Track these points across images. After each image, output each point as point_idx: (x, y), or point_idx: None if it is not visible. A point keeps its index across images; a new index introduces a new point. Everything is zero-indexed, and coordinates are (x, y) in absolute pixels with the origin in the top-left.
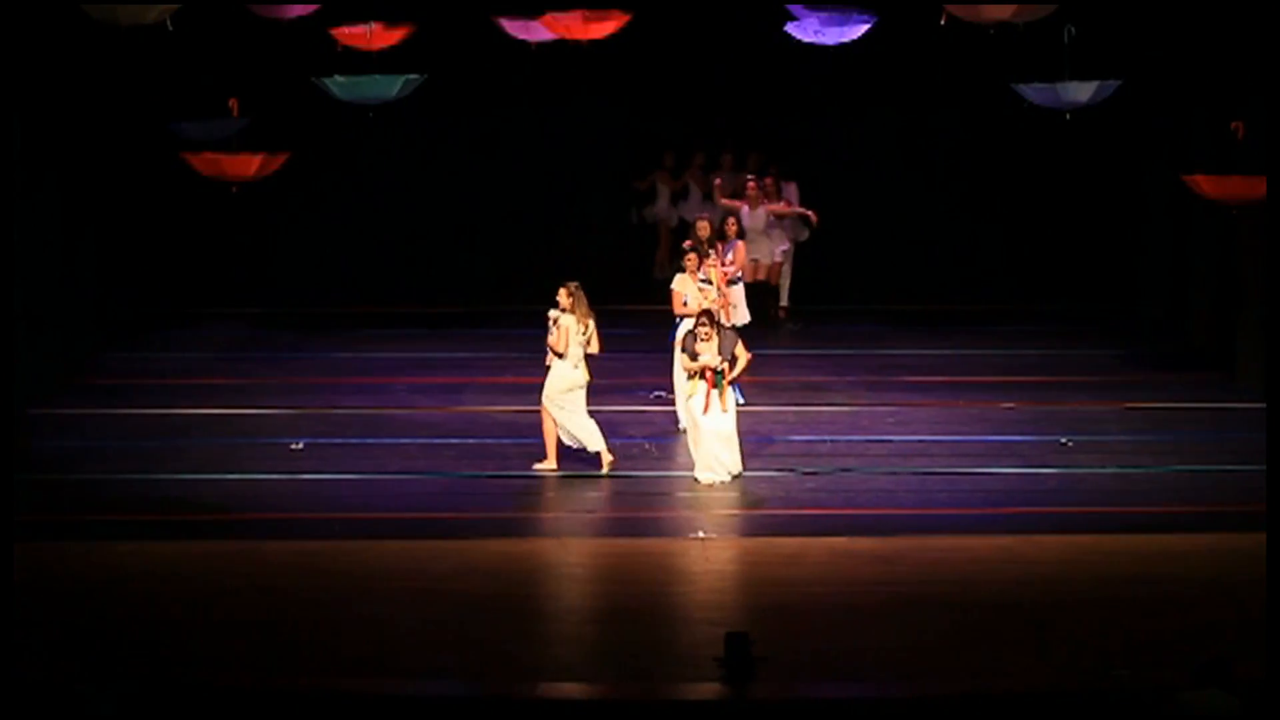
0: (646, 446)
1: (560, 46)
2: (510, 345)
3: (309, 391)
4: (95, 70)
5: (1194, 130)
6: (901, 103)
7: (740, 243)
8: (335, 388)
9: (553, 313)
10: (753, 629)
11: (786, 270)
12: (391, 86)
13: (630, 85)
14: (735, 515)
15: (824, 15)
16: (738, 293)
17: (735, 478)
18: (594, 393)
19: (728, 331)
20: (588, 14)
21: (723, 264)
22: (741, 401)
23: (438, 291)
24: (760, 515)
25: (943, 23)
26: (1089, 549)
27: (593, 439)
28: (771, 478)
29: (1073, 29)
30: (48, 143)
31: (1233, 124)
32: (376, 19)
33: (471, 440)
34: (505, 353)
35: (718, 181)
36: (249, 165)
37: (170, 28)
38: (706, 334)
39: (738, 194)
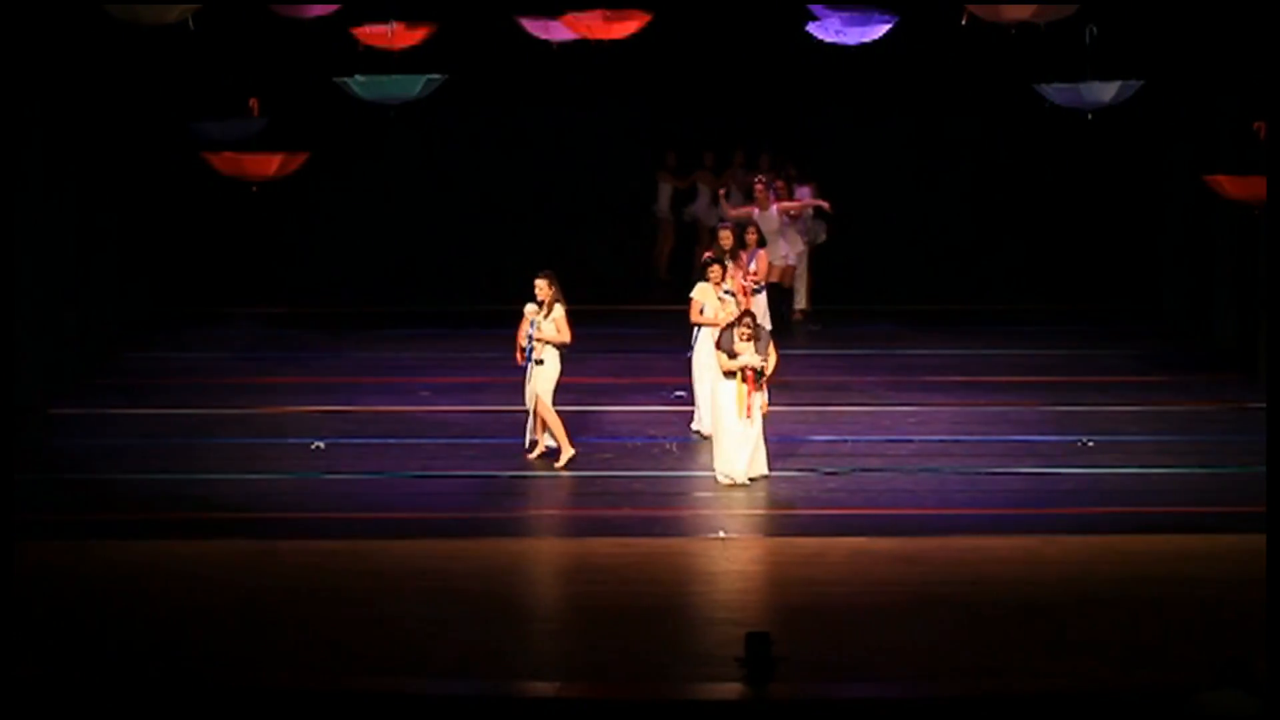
0: (668, 446)
1: (581, 46)
2: None
3: (329, 391)
4: (116, 69)
5: (1216, 130)
6: (922, 103)
7: (762, 252)
8: (355, 387)
9: (531, 307)
10: (773, 629)
11: (802, 272)
12: (413, 86)
13: (651, 85)
14: (756, 515)
15: (845, 15)
16: (760, 302)
17: (754, 480)
18: (613, 392)
19: (764, 332)
20: (608, 14)
21: (745, 274)
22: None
23: (458, 290)
24: (781, 515)
25: (964, 23)
26: (1110, 549)
27: (563, 433)
28: (792, 478)
29: (1094, 29)
30: (69, 142)
31: (1255, 124)
32: (398, 18)
33: (492, 440)
34: None
35: (722, 192)
36: (269, 164)
37: (192, 27)
38: (747, 334)
39: (748, 195)
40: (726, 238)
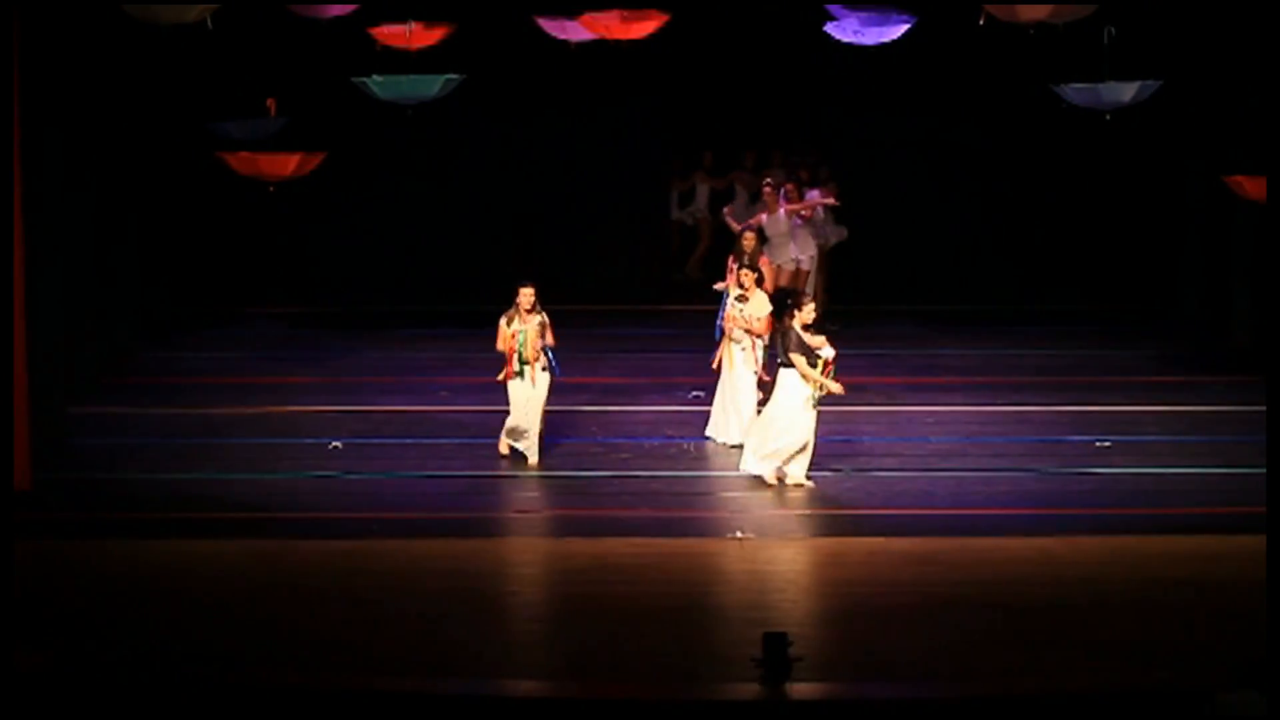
0: (685, 446)
1: (599, 46)
2: None
3: (347, 391)
4: (135, 69)
5: (1235, 130)
6: (940, 103)
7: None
8: (373, 387)
9: (515, 323)
10: (791, 629)
11: (813, 276)
12: (431, 86)
13: (669, 85)
14: (773, 515)
15: (863, 15)
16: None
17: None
18: (631, 392)
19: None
20: (626, 14)
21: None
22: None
23: (476, 290)
24: (798, 515)
25: (981, 23)
26: (1127, 550)
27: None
28: (810, 478)
29: (1113, 29)
30: (87, 142)
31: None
32: (416, 19)
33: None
34: None
35: (728, 209)
36: (286, 164)
37: (210, 27)
38: (814, 331)
39: (755, 196)
40: (751, 239)
